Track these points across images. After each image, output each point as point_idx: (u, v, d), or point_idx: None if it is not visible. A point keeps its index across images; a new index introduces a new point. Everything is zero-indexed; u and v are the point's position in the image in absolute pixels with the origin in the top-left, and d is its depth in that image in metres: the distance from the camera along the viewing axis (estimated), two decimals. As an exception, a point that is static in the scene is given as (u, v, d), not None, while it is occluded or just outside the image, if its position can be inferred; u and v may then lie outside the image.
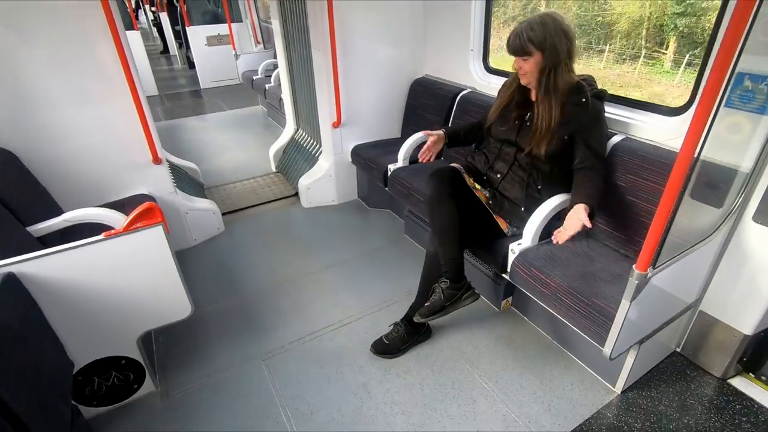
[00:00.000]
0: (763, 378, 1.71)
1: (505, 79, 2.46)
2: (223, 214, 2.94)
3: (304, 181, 3.05)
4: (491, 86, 2.51)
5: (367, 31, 2.67)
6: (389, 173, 2.55)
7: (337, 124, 2.80)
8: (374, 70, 2.81)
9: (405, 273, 2.38)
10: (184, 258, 2.57)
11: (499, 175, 1.82)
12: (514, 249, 1.77)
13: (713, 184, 1.49)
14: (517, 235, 1.84)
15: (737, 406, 1.61)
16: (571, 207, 1.63)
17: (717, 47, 1.50)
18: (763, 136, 1.41)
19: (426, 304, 1.70)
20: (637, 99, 1.84)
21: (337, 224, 2.90)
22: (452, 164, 1.95)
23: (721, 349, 1.69)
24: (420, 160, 2.10)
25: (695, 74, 1.69)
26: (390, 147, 2.87)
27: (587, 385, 1.72)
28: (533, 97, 1.77)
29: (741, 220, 1.50)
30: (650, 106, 1.81)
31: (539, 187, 1.77)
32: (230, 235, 2.82)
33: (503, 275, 1.87)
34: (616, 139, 1.81)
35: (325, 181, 3.03)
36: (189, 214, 2.59)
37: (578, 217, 1.54)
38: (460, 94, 2.59)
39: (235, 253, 2.62)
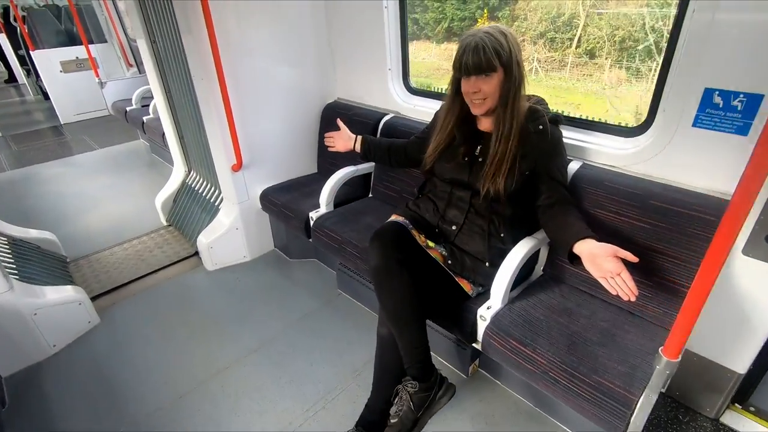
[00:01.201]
0: (752, 409, 1.58)
1: (430, 100, 2.19)
2: (95, 298, 2.23)
3: (204, 239, 2.44)
4: (417, 109, 2.19)
5: (261, 51, 2.18)
6: (312, 222, 2.10)
7: (237, 167, 2.26)
8: (276, 97, 2.33)
9: (347, 343, 1.94)
10: (36, 377, 1.84)
11: (454, 227, 1.48)
12: (484, 315, 1.44)
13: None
14: (482, 294, 1.52)
15: (741, 453, 1.45)
16: (569, 247, 1.29)
17: (678, 61, 1.31)
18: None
19: (392, 421, 1.29)
20: (592, 119, 1.63)
21: (254, 288, 2.36)
22: (394, 217, 1.57)
23: (714, 389, 1.53)
24: (325, 141, 1.99)
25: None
26: (307, 187, 2.41)
27: (587, 463, 1.44)
28: (482, 126, 1.47)
29: (730, 254, 1.32)
30: (606, 127, 1.60)
31: (502, 234, 1.46)
32: (108, 327, 2.12)
33: (472, 344, 1.53)
34: (573, 166, 1.57)
35: (232, 235, 2.46)
36: (39, 315, 1.87)
37: (613, 254, 1.17)
38: (383, 120, 2.23)
39: (116, 356, 1.95)
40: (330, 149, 1.93)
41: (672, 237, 1.34)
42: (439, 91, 2.20)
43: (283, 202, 2.27)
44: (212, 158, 2.40)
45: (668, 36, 1.35)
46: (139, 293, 2.35)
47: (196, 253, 2.59)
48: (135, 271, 2.50)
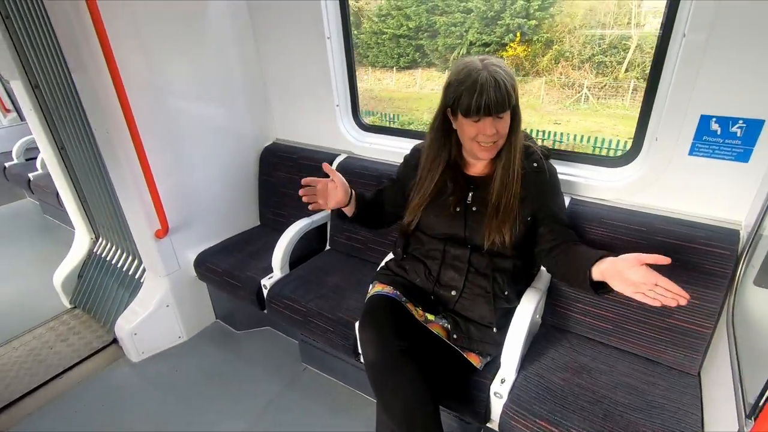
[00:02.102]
0: None
1: (386, 137, 1.98)
2: (-28, 431, 1.65)
3: (126, 323, 1.96)
4: (372, 148, 1.96)
5: (180, 88, 1.82)
6: (265, 291, 1.75)
7: (162, 233, 1.84)
8: (204, 142, 1.97)
9: (327, 435, 1.61)
10: None
11: (453, 292, 1.24)
12: (499, 392, 1.21)
13: None
14: (490, 364, 1.30)
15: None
16: (587, 276, 1.06)
17: (669, 86, 1.23)
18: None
19: None
20: (579, 151, 1.51)
21: (197, 377, 1.92)
22: (379, 287, 1.30)
23: None
24: (301, 193, 1.25)
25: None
26: (252, 245, 2.05)
27: None
28: (473, 171, 1.27)
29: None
30: (592, 158, 1.49)
31: (506, 292, 1.26)
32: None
33: (487, 425, 1.30)
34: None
35: (162, 314, 2.01)
36: None
37: (639, 262, 0.96)
38: (336, 162, 1.97)
39: None
40: (311, 207, 1.27)
41: (686, 276, 1.23)
42: (395, 125, 2.00)
43: (226, 269, 1.88)
44: (128, 224, 1.95)
45: (653, 58, 1.27)
46: (40, 409, 1.79)
47: (115, 341, 2.08)
48: (30, 380, 1.92)
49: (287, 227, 1.84)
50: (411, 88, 14.87)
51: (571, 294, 1.42)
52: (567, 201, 1.44)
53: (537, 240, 1.25)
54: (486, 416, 1.26)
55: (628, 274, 0.97)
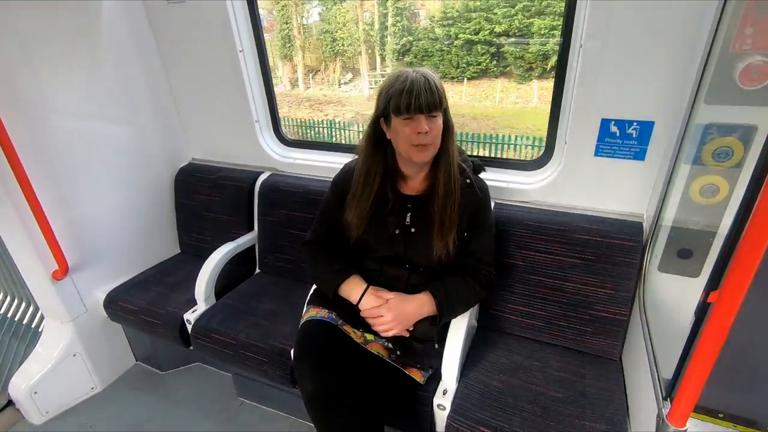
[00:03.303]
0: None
1: (311, 151, 1.92)
2: None
3: (22, 381, 1.69)
4: (297, 164, 1.89)
5: (72, 107, 1.63)
6: (189, 327, 1.60)
7: (61, 274, 1.62)
8: (107, 166, 1.77)
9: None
10: None
11: (392, 311, 1.21)
12: (443, 403, 1.20)
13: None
14: (432, 377, 1.29)
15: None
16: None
17: (573, 92, 1.31)
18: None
19: None
20: (496, 157, 1.56)
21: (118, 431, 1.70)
22: (314, 312, 1.24)
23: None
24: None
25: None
26: (172, 276, 1.88)
27: None
28: (409, 189, 1.24)
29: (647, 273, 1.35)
30: (511, 163, 1.55)
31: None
32: None
33: (433, 440, 1.28)
34: (487, 208, 1.47)
35: (68, 365, 1.76)
36: None
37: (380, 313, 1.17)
38: (260, 181, 1.87)
39: None
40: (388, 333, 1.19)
41: (602, 268, 1.31)
42: (319, 140, 1.95)
43: (142, 305, 1.70)
44: (15, 266, 1.69)
45: (556, 66, 1.35)
46: None
47: (10, 404, 1.79)
48: None
49: (211, 253, 1.71)
50: (484, 101, 12.35)
51: (503, 295, 1.46)
52: (491, 205, 1.48)
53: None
54: (432, 430, 1.24)
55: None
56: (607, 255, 1.30)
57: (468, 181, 1.20)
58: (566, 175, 1.41)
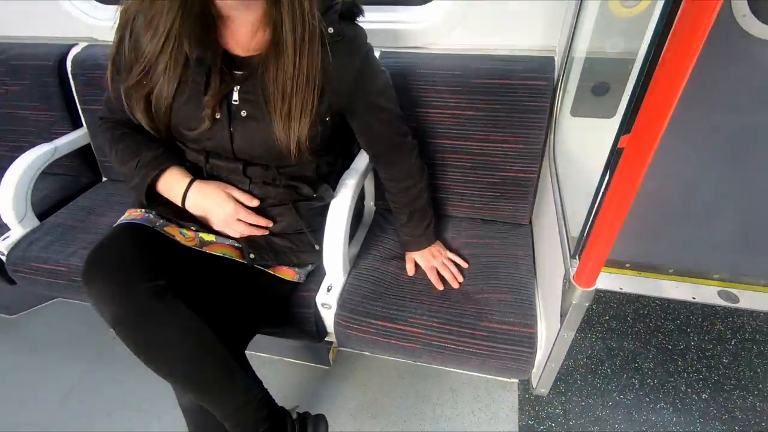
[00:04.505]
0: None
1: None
2: None
3: None
4: (121, 26, 1.37)
5: None
6: (4, 258, 1.22)
7: None
8: None
9: (152, 405, 1.29)
10: None
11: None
12: (327, 302, 1.00)
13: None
14: (315, 273, 1.06)
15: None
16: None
17: None
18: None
19: None
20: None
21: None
22: (129, 214, 0.90)
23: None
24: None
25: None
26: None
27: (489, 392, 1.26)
28: (237, 47, 0.81)
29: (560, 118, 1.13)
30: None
31: (315, 194, 0.95)
32: None
33: (326, 342, 1.11)
34: (371, 59, 1.14)
35: None
36: None
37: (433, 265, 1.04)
38: (71, 57, 1.34)
39: None
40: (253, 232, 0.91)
41: (508, 119, 1.07)
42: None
43: (-66, 242, 1.26)
44: None
45: None
46: None
47: None
48: None
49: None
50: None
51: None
52: (377, 54, 1.14)
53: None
54: (320, 333, 1.05)
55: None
56: (513, 101, 1.05)
57: (331, 30, 0.79)
58: (460, 5, 1.09)
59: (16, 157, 1.25)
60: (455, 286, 1.02)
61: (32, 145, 1.32)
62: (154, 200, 0.90)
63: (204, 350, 0.76)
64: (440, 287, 1.01)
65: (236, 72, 0.81)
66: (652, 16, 0.94)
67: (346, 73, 0.83)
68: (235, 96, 0.81)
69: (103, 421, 1.26)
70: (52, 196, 1.39)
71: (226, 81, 0.80)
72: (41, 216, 1.30)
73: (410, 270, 1.06)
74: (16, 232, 1.24)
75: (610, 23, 1.01)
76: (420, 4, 1.16)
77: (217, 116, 0.81)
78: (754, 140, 1.25)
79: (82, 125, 1.43)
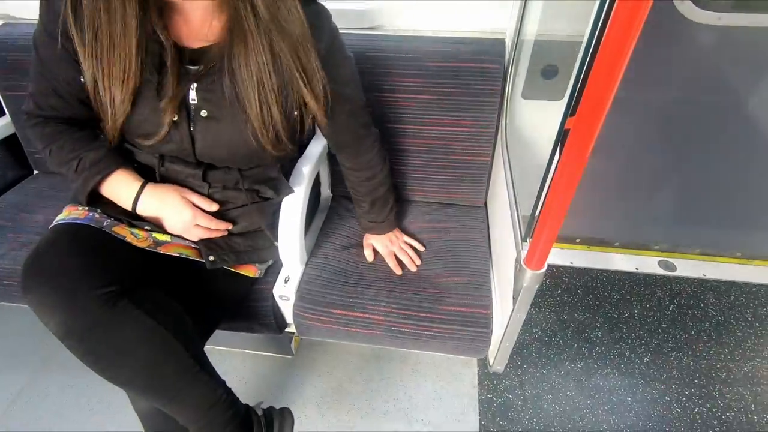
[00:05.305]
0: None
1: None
2: None
3: None
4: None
5: None
6: None
7: None
8: None
9: (106, 406, 1.24)
10: None
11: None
12: (285, 294, 0.98)
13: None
14: (273, 266, 1.04)
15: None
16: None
17: None
18: None
19: None
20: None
21: None
22: (68, 212, 0.83)
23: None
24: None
25: None
26: None
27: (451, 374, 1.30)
28: (196, 36, 0.73)
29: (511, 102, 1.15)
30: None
31: (269, 195, 0.90)
32: None
33: (287, 332, 1.09)
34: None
35: None
36: None
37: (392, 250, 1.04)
38: (-19, 36, 1.21)
39: None
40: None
41: (460, 102, 1.07)
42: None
43: None
44: None
45: None
46: None
47: None
48: None
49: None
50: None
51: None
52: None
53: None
54: (280, 324, 1.04)
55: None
56: (466, 84, 1.05)
57: (295, 10, 0.70)
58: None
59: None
60: (413, 269, 1.03)
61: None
62: (98, 201, 0.83)
63: (163, 356, 0.72)
64: (399, 272, 1.02)
65: (190, 67, 0.74)
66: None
67: (302, 58, 0.73)
68: (193, 95, 0.73)
69: (53, 423, 1.20)
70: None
71: (182, 79, 0.73)
72: (-37, 215, 1.19)
73: (369, 256, 1.06)
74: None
75: (557, 6, 1.02)
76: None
77: (174, 118, 0.74)
78: (689, 119, 1.32)
79: (4, 113, 1.30)
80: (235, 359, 1.34)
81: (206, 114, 0.75)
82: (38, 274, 0.69)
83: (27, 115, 0.83)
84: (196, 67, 0.73)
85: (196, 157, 0.80)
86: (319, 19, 0.76)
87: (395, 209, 1.08)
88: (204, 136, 0.76)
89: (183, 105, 0.74)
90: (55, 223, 0.82)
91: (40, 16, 0.74)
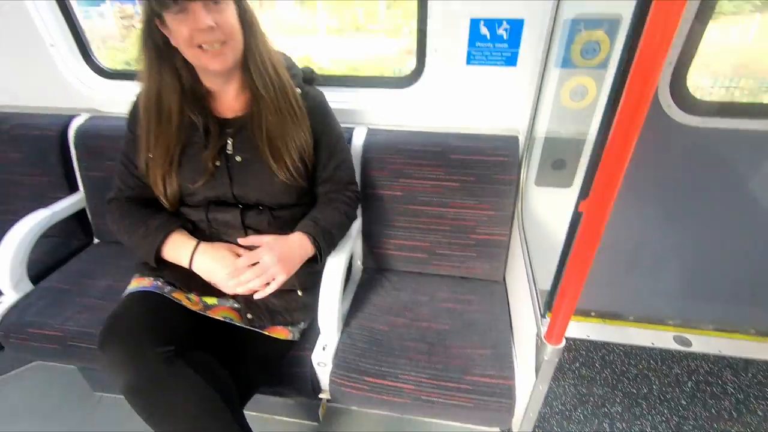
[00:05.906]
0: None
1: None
2: None
3: None
4: (121, 100, 1.47)
5: None
6: (-5, 324, 1.22)
7: None
8: None
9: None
10: None
11: (235, 266, 0.99)
12: (323, 360, 1.07)
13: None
14: (309, 331, 1.13)
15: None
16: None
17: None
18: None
19: None
20: (363, 75, 1.34)
21: None
22: (135, 283, 0.97)
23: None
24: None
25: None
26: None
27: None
28: (226, 111, 0.98)
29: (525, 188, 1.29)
30: (378, 80, 1.35)
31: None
32: None
33: (321, 398, 1.16)
34: (359, 137, 1.28)
35: None
36: None
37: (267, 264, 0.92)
38: (74, 127, 1.43)
39: None
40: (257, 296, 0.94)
41: (480, 189, 1.22)
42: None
43: None
44: None
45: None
46: None
47: None
48: None
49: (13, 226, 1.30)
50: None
51: (384, 231, 1.33)
52: (363, 132, 1.29)
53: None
54: (315, 390, 1.11)
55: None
56: (485, 174, 1.21)
57: (299, 91, 1.00)
58: (440, 89, 1.26)
59: (11, 221, 1.30)
60: (254, 287, 0.93)
61: (27, 208, 1.37)
62: (160, 264, 0.97)
63: (210, 414, 0.81)
64: (240, 290, 0.93)
65: (228, 129, 0.97)
66: (596, 108, 1.14)
67: (314, 117, 1.01)
68: (230, 147, 0.96)
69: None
70: (44, 259, 1.42)
71: (220, 135, 0.96)
72: (34, 279, 1.32)
73: (245, 241, 1.00)
74: (10, 297, 1.26)
75: (563, 112, 1.19)
76: (403, 87, 1.33)
77: (217, 164, 0.95)
78: (692, 203, 1.45)
79: (78, 189, 1.49)
80: (263, 424, 1.38)
81: (240, 159, 0.96)
82: (114, 336, 0.81)
83: (110, 201, 1.05)
84: (230, 130, 0.97)
85: (234, 197, 0.98)
86: (319, 96, 1.07)
87: (323, 248, 1.02)
88: (239, 176, 0.97)
89: (223, 155, 0.96)
90: (126, 292, 0.94)
91: (128, 122, 1.02)
